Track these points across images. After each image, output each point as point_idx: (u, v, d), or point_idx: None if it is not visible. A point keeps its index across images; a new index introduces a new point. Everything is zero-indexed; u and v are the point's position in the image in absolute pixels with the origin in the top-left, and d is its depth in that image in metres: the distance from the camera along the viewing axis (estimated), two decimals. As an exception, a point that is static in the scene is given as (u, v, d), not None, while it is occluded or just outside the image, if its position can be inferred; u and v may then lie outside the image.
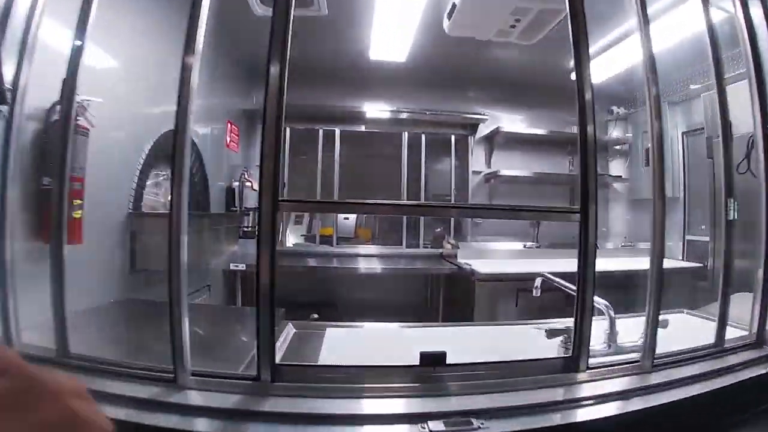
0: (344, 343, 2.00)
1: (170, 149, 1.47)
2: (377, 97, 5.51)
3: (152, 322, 2.25)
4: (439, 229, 5.73)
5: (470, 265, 4.36)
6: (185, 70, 1.43)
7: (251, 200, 4.68)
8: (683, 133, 5.23)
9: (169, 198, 1.45)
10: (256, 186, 4.55)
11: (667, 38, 4.13)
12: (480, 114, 5.53)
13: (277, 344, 1.87)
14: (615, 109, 5.89)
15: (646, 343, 1.63)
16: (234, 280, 4.60)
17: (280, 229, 5.54)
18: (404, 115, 5.41)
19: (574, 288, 1.70)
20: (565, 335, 1.67)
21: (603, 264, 4.03)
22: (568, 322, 2.16)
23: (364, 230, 5.80)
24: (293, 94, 4.55)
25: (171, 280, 1.46)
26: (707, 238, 4.85)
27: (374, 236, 5.86)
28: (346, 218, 5.68)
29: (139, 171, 2.90)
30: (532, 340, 2.00)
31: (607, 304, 1.78)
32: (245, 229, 4.64)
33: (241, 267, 4.38)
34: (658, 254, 1.71)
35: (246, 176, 4.64)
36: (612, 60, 4.61)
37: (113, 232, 2.69)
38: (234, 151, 4.83)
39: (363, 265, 4.84)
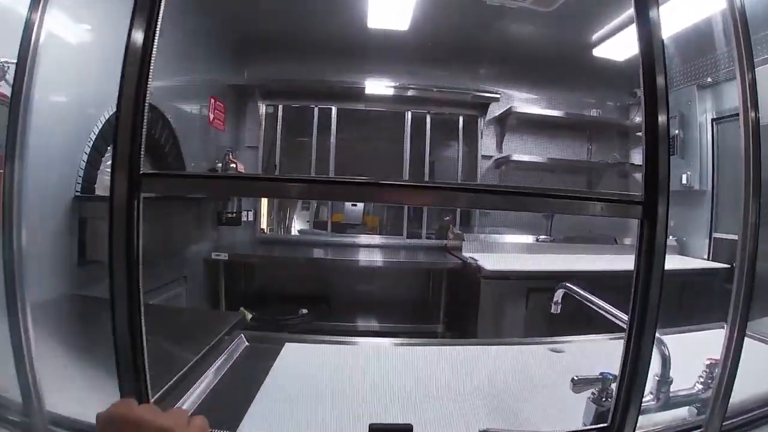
0: (302, 370, 1.53)
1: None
2: (377, 72, 5.02)
3: (99, 324, 1.88)
4: (447, 218, 5.31)
5: (476, 260, 3.93)
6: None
7: None
8: (713, 120, 4.72)
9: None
10: (241, 168, 4.14)
11: (696, 14, 3.75)
12: (491, 92, 5.03)
13: (213, 366, 1.48)
14: (638, 92, 5.32)
15: (718, 394, 1.02)
16: (217, 271, 4.21)
17: (287, 215, 5.16)
18: (408, 93, 4.94)
19: (618, 316, 1.27)
20: (598, 388, 1.13)
21: (617, 263, 3.70)
22: (599, 340, 1.76)
23: (371, 218, 5.39)
24: (285, 68, 4.15)
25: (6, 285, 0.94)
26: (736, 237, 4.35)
27: (382, 224, 5.44)
28: (354, 205, 5.27)
29: (89, 148, 2.47)
30: (547, 368, 1.63)
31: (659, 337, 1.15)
32: (229, 215, 4.22)
33: (224, 256, 3.99)
34: (748, 259, 1.05)
35: (230, 157, 4.22)
36: (628, 39, 4.16)
37: (56, 218, 2.27)
38: (219, 129, 4.41)
39: (360, 257, 4.43)
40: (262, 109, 4.96)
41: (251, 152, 4.94)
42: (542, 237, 4.70)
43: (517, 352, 1.81)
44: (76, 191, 2.38)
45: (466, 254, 4.27)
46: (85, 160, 2.44)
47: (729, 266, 4.24)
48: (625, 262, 3.85)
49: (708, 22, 3.81)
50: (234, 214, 4.26)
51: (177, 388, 1.29)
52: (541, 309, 3.70)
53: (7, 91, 1.76)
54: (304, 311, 4.17)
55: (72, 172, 2.37)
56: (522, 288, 3.75)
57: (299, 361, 1.58)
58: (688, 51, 4.56)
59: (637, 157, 5.47)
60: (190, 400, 1.27)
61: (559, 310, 1.73)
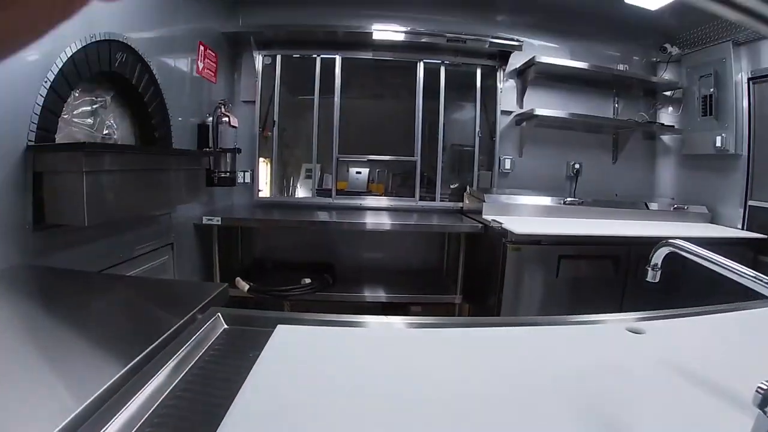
0: (300, 363, 1.07)
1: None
2: (387, 15, 4.56)
3: (62, 301, 1.50)
4: (454, 185, 4.92)
5: (500, 223, 3.50)
6: None
7: (228, 139, 3.83)
8: (749, 80, 4.31)
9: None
10: (234, 121, 3.71)
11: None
12: (513, 40, 4.52)
13: (172, 361, 1.08)
14: (669, 47, 4.91)
15: None
16: (209, 237, 3.81)
17: (290, 184, 4.77)
18: (421, 40, 4.43)
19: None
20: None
21: (649, 229, 3.35)
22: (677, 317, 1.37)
23: (376, 186, 4.99)
24: (284, 13, 3.70)
25: None
26: None
27: (387, 192, 5.02)
28: (359, 172, 4.89)
29: (46, 90, 2.02)
30: (634, 355, 1.19)
31: None
32: (222, 175, 3.79)
33: (217, 221, 3.58)
34: None
35: (223, 110, 3.76)
36: None
37: (2, 172, 1.83)
38: (210, 80, 3.96)
39: (368, 220, 3.98)
40: (259, 59, 4.50)
41: (248, 108, 4.54)
42: (569, 199, 4.26)
43: (582, 332, 1.38)
44: (29, 141, 1.94)
45: (487, 217, 3.84)
46: (41, 104, 1.99)
47: (766, 237, 3.90)
48: (660, 228, 3.47)
49: None
50: (228, 174, 3.83)
51: (118, 392, 0.89)
52: (573, 275, 3.43)
53: None
54: (307, 281, 3.78)
55: (22, 117, 1.93)
56: (553, 254, 3.38)
57: (295, 350, 1.14)
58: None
59: (664, 117, 5.14)
60: (129, 412, 0.85)
61: (658, 278, 1.30)
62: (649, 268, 1.31)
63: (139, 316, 1.42)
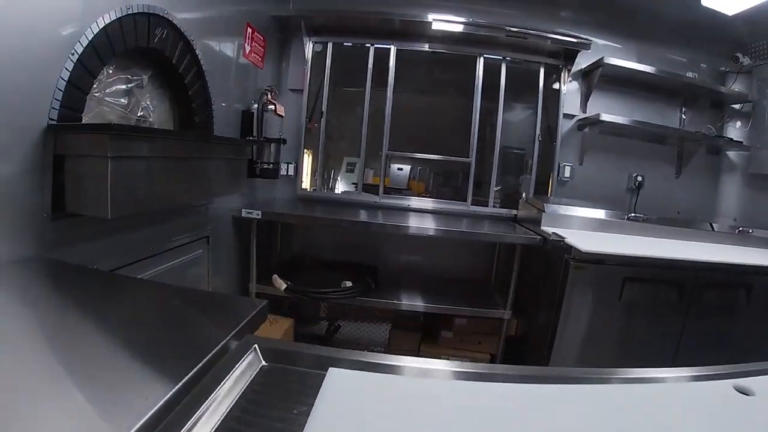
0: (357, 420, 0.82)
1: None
2: (443, 4, 4.24)
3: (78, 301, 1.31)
4: (499, 187, 4.58)
5: (562, 237, 3.17)
6: None
7: (273, 128, 3.58)
8: None
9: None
10: (281, 110, 3.46)
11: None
12: (581, 38, 4.14)
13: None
14: (740, 57, 4.50)
15: None
16: (247, 230, 3.56)
17: (331, 176, 4.55)
18: (481, 32, 4.09)
19: None
20: None
21: (714, 253, 3.39)
22: None
23: (417, 183, 4.73)
24: None
25: None
26: None
27: (428, 190, 4.74)
28: (400, 169, 4.64)
29: (73, 63, 1.78)
30: None
31: None
32: (264, 166, 3.54)
33: (257, 214, 3.33)
34: None
35: (269, 97, 3.51)
36: None
37: (15, 154, 1.60)
38: (257, 65, 3.71)
39: (415, 223, 3.70)
40: (309, 46, 4.24)
41: (295, 96, 4.29)
42: (632, 215, 3.90)
43: (680, 392, 1.09)
44: (51, 119, 1.70)
45: (547, 229, 3.50)
46: (66, 79, 1.75)
47: None
48: (726, 253, 3.02)
49: None
50: (271, 165, 3.58)
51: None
52: (637, 299, 3.08)
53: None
54: (348, 284, 3.50)
55: (44, 94, 1.69)
56: (616, 276, 3.04)
57: (353, 404, 0.87)
58: None
59: (732, 132, 4.75)
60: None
61: None
62: None
63: (160, 338, 1.16)
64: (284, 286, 3.41)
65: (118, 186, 1.69)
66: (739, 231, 4.09)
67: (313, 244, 4.39)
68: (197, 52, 2.69)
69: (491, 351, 3.79)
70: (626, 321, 3.14)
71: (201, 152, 2.45)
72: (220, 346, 1.01)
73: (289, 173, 4.24)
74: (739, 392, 1.04)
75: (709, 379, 1.12)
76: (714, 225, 4.07)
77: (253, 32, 3.55)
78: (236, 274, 3.62)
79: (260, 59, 3.74)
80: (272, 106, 3.50)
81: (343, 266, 3.95)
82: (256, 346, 1.07)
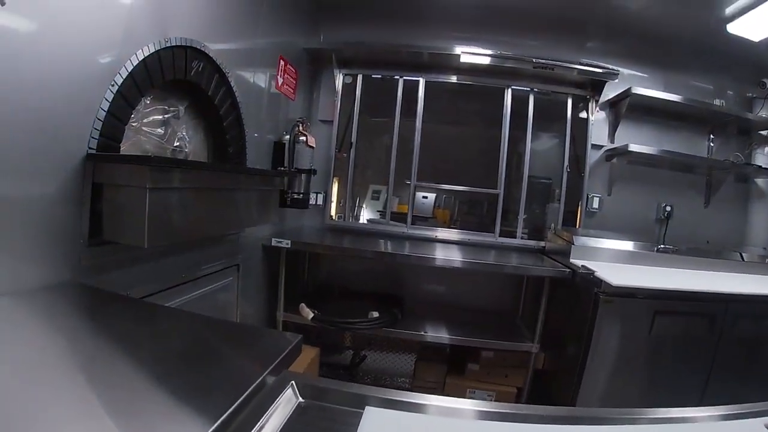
0: None
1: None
2: (471, 37, 4.25)
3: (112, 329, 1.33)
4: (525, 216, 4.51)
5: (591, 270, 3.12)
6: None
7: (305, 159, 3.61)
8: None
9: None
10: (312, 141, 3.48)
11: None
12: (607, 68, 4.13)
13: None
14: (767, 83, 4.42)
15: None
16: (277, 260, 3.57)
17: (356, 204, 4.54)
18: (508, 64, 4.10)
19: None
20: None
21: (746, 284, 3.36)
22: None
23: (442, 211, 4.73)
24: (366, 31, 3.30)
25: None
26: None
27: (452, 219, 4.75)
28: (425, 197, 4.64)
29: (113, 93, 1.81)
30: None
31: None
32: (295, 196, 3.55)
33: (286, 244, 3.33)
34: None
35: (301, 129, 3.55)
36: None
37: (58, 181, 1.61)
38: (289, 97, 3.75)
39: (441, 254, 3.65)
40: (339, 78, 4.29)
41: (324, 127, 4.33)
42: (662, 246, 3.82)
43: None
44: (90, 148, 1.72)
45: (576, 262, 3.45)
46: (106, 109, 1.77)
47: None
48: (758, 283, 2.94)
49: None
50: (301, 195, 3.60)
51: None
52: (667, 333, 3.00)
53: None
54: (375, 314, 3.47)
55: (84, 122, 1.71)
56: (647, 309, 2.97)
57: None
58: None
59: (760, 159, 4.66)
60: None
61: None
62: None
63: (196, 372, 1.14)
64: (311, 315, 3.39)
65: (154, 216, 1.70)
66: None
67: (340, 273, 4.36)
68: (232, 83, 2.72)
69: (518, 385, 3.71)
70: (656, 355, 3.06)
71: (234, 183, 2.47)
72: (257, 382, 0.99)
73: (318, 203, 4.25)
74: None
75: (739, 418, 1.09)
76: (744, 255, 3.99)
77: (285, 64, 3.59)
78: (264, 301, 3.62)
79: (292, 91, 3.78)
80: (304, 138, 3.54)
81: (369, 296, 3.92)
82: (293, 382, 1.05)
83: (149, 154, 2.15)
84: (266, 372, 1.04)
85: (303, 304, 3.47)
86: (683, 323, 3.06)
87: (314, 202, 4.18)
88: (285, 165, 3.48)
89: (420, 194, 4.61)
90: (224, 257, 2.85)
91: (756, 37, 3.85)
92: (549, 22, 4.24)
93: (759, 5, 3.41)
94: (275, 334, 2.14)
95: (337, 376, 3.89)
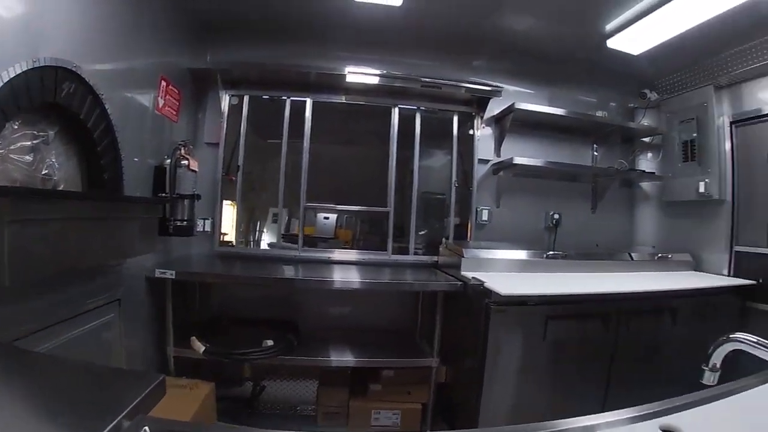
0: None
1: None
2: (361, 58, 4.37)
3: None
4: (423, 232, 4.69)
5: (481, 281, 3.24)
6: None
7: (187, 184, 3.50)
8: (732, 123, 4.32)
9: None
10: (194, 165, 3.41)
11: (711, 10, 3.42)
12: (491, 86, 4.37)
13: None
14: (648, 93, 4.89)
15: None
16: (162, 291, 3.43)
17: (256, 228, 4.53)
18: (396, 84, 4.24)
19: None
20: None
21: (636, 282, 3.68)
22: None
23: (344, 231, 4.78)
24: (253, 50, 3.25)
25: None
26: (764, 250, 4.01)
27: (355, 238, 4.82)
28: (326, 218, 4.65)
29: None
30: None
31: None
32: (178, 223, 3.45)
33: (171, 274, 3.22)
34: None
35: (183, 152, 3.46)
36: (648, 30, 3.83)
37: None
38: (171, 119, 3.66)
39: (337, 275, 3.69)
40: (225, 99, 4.23)
41: (211, 150, 4.22)
42: (551, 253, 4.04)
43: None
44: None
45: (466, 273, 3.58)
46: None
47: (755, 282, 3.91)
48: (647, 280, 3.29)
49: (725, 16, 3.47)
50: (185, 222, 3.49)
51: None
52: (561, 338, 3.19)
53: None
54: (269, 342, 3.40)
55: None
56: (539, 316, 3.13)
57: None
58: (702, 49, 4.22)
59: (643, 164, 5.12)
60: None
61: (716, 380, 1.03)
62: (707, 369, 1.05)
63: (46, 421, 1.06)
64: (203, 348, 3.28)
65: (17, 251, 1.61)
66: (658, 258, 4.44)
67: (233, 302, 4.22)
68: (107, 106, 2.62)
69: (422, 401, 3.75)
70: (554, 359, 3.22)
71: (108, 212, 2.38)
72: (107, 430, 0.94)
73: (206, 229, 4.13)
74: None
75: (635, 421, 1.10)
76: (633, 254, 4.37)
77: (167, 85, 3.51)
78: (153, 337, 3.45)
79: (175, 113, 3.69)
80: (186, 162, 3.44)
81: (264, 324, 3.83)
82: (146, 428, 1.00)
83: (17, 184, 2.03)
84: (119, 418, 0.99)
85: (194, 338, 3.36)
86: (577, 326, 3.26)
87: (202, 229, 4.07)
88: (166, 191, 3.37)
89: (321, 215, 4.63)
90: (104, 292, 2.72)
91: (635, 50, 4.21)
92: (436, 42, 4.41)
93: (637, 21, 3.72)
94: (138, 375, 2.04)
95: (237, 411, 3.81)
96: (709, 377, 1.05)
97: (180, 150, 3.46)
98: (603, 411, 1.11)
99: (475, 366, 3.15)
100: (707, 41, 4.01)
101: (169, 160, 3.39)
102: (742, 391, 1.23)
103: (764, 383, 1.27)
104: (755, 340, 0.93)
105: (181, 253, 3.95)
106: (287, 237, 4.40)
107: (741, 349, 0.95)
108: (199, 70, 4.05)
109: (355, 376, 3.90)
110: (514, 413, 3.17)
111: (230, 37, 4.20)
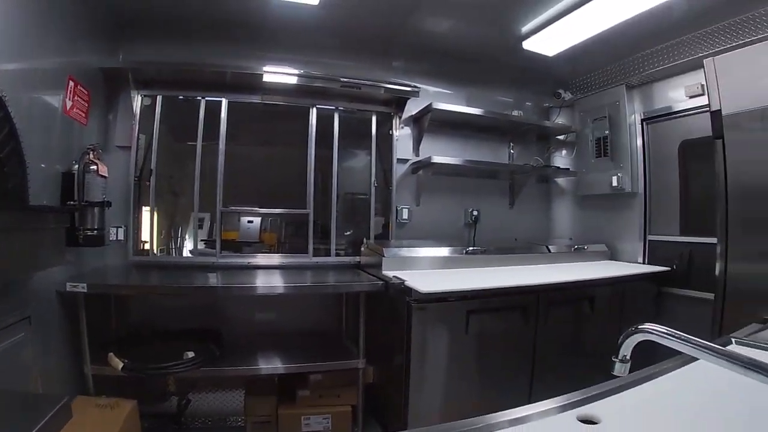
0: None
1: None
2: (279, 57, 4.31)
3: None
4: (348, 233, 4.72)
5: (402, 280, 3.29)
6: None
7: (96, 191, 3.29)
8: (643, 120, 4.65)
9: None
10: (103, 170, 3.25)
11: (623, 13, 3.68)
12: (410, 86, 4.43)
13: None
14: (562, 92, 5.18)
15: None
16: (75, 307, 3.24)
17: (178, 234, 4.37)
18: (315, 84, 4.22)
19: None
20: None
21: (553, 273, 3.88)
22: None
23: (269, 235, 4.67)
24: (170, 48, 3.25)
25: None
26: (673, 238, 4.36)
27: (280, 241, 4.73)
28: (250, 221, 4.51)
29: None
30: None
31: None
32: (88, 233, 3.26)
33: (83, 288, 3.04)
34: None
35: (91, 157, 3.28)
36: (562, 32, 4.05)
37: None
38: (80, 122, 3.45)
39: (258, 280, 3.66)
40: (137, 99, 4.04)
41: (122, 154, 4.00)
42: (471, 248, 4.14)
43: None
44: None
45: (387, 273, 3.63)
46: None
47: (669, 268, 4.27)
48: (564, 271, 3.50)
49: (636, 21, 3.74)
50: (95, 231, 3.30)
51: None
52: (484, 331, 3.29)
53: None
54: (190, 354, 3.28)
55: None
56: (460, 311, 3.22)
57: None
58: (615, 50, 4.53)
59: (559, 161, 5.42)
60: None
61: (627, 371, 1.07)
62: (617, 360, 1.09)
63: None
64: (121, 364, 3.11)
65: None
66: (575, 249, 4.68)
67: (152, 314, 4.02)
68: (10, 109, 2.45)
69: (351, 402, 3.75)
70: (479, 353, 3.31)
71: (12, 223, 2.23)
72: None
73: (119, 238, 3.92)
74: (584, 422, 1.06)
75: (555, 413, 1.12)
76: (550, 247, 4.59)
77: (75, 86, 3.31)
78: (69, 355, 3.24)
79: (84, 115, 3.48)
80: (94, 167, 3.24)
81: (187, 334, 3.71)
82: None
83: None
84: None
85: (111, 353, 3.18)
86: (498, 320, 3.36)
87: (115, 238, 3.87)
88: (75, 199, 3.18)
89: (245, 219, 4.51)
90: (12, 310, 2.55)
91: (550, 52, 4.43)
92: (356, 43, 4.44)
93: (551, 24, 3.90)
94: (42, 399, 1.94)
95: (162, 428, 3.68)
96: (620, 368, 1.08)
97: (88, 154, 3.27)
98: (529, 402, 1.13)
99: (400, 365, 3.20)
100: (619, 43, 4.27)
101: (77, 166, 3.21)
102: (656, 377, 1.31)
103: (678, 368, 1.36)
104: (663, 330, 0.96)
105: (96, 265, 3.73)
106: (210, 243, 4.29)
107: (651, 339, 0.99)
108: (110, 70, 3.84)
109: (283, 383, 3.84)
110: (444, 409, 3.23)
111: (145, 35, 4.04)
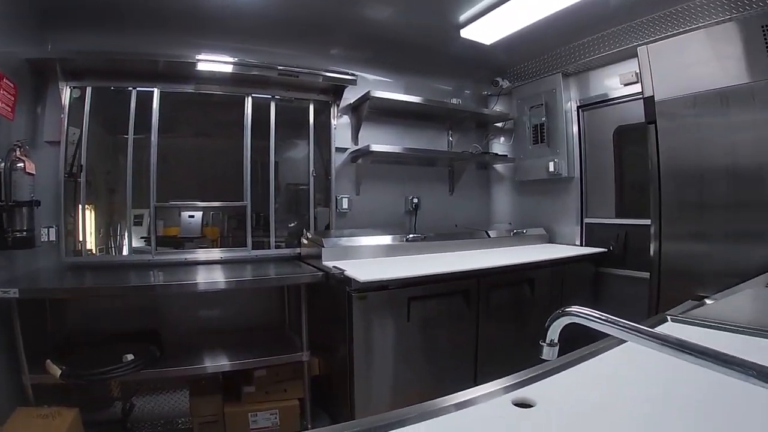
0: None
1: None
2: (214, 44, 4.21)
3: None
4: (292, 224, 4.71)
5: (342, 270, 3.32)
6: None
7: (24, 189, 3.16)
8: (579, 107, 4.82)
9: None
10: (31, 168, 3.12)
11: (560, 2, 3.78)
12: (347, 74, 4.42)
13: None
14: (500, 81, 5.33)
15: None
16: (8, 313, 3.06)
17: (116, 233, 4.22)
18: (250, 72, 4.14)
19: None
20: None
21: (493, 257, 4.01)
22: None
23: (211, 229, 4.61)
24: (100, 37, 3.14)
25: None
26: (609, 220, 4.55)
27: (223, 234, 4.66)
28: (191, 216, 4.43)
29: None
30: None
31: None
32: (17, 234, 3.12)
33: (14, 293, 2.89)
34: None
35: (18, 153, 3.13)
36: (499, 21, 4.13)
37: None
38: (7, 117, 3.27)
39: (198, 277, 3.57)
40: (66, 91, 3.84)
41: (51, 149, 3.80)
42: (411, 236, 4.20)
43: (462, 421, 1.05)
44: None
45: (327, 263, 3.66)
46: None
47: (606, 250, 4.48)
48: (504, 255, 3.65)
49: (571, 11, 3.84)
50: (25, 233, 3.16)
51: None
52: (425, 317, 3.39)
53: None
54: (129, 357, 3.19)
55: None
56: (401, 298, 3.28)
57: None
58: (552, 39, 4.65)
59: (497, 147, 5.53)
60: None
61: (556, 355, 1.10)
62: (545, 344, 1.10)
63: None
64: (59, 372, 2.99)
65: None
66: (514, 233, 4.84)
67: (90, 317, 3.86)
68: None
69: (299, 396, 3.75)
70: (423, 339, 3.38)
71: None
72: None
73: (51, 239, 3.74)
74: (518, 406, 1.07)
75: (491, 398, 1.13)
76: (490, 232, 4.72)
77: (0, 79, 3.15)
78: (4, 366, 3.09)
79: (10, 110, 3.30)
80: (21, 164, 3.10)
81: (125, 336, 3.62)
82: None
83: None
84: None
85: (49, 361, 3.05)
86: (439, 305, 3.44)
87: (46, 239, 3.68)
88: (2, 198, 3.04)
89: (185, 214, 4.43)
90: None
91: (487, 41, 4.49)
92: (294, 30, 4.38)
93: (488, 12, 3.96)
94: None
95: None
96: (548, 352, 1.09)
97: (15, 151, 3.12)
98: (475, 385, 1.15)
99: (344, 355, 3.23)
100: (556, 32, 4.38)
101: (3, 164, 3.06)
102: (589, 359, 1.36)
103: (610, 349, 1.41)
104: (588, 313, 0.96)
105: (29, 269, 3.54)
106: (149, 240, 4.12)
107: (577, 321, 1.01)
108: (37, 61, 3.63)
109: (227, 381, 3.82)
110: (392, 397, 3.28)
111: (75, 24, 3.84)
